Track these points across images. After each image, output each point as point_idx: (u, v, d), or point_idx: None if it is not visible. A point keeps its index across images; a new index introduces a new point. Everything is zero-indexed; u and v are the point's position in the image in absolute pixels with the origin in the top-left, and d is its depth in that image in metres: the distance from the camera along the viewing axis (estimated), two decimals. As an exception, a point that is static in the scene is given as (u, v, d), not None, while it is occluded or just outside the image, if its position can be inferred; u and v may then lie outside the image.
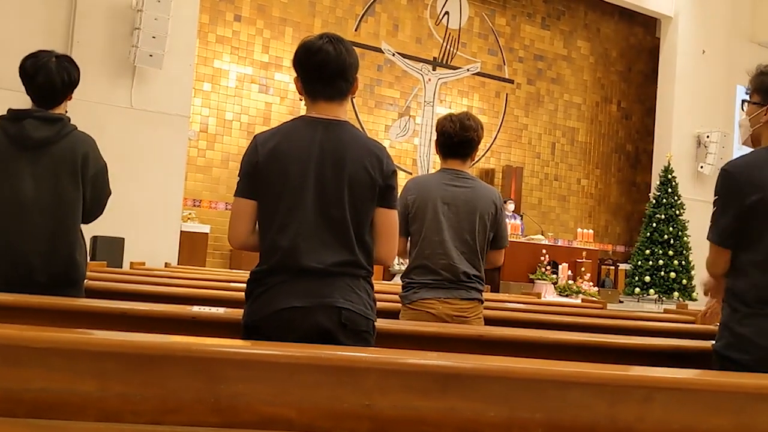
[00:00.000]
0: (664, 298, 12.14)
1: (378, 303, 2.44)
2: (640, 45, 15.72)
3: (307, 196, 2.24)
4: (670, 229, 12.36)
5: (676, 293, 12.11)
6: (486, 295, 3.47)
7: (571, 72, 14.97)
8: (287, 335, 2.12)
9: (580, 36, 15.06)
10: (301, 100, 2.40)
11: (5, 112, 2.84)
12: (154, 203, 9.13)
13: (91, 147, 2.89)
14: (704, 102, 13.87)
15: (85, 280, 3.07)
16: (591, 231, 13.21)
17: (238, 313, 2.46)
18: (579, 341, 2.95)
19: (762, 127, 2.51)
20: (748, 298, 2.37)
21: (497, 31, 14.09)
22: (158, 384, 1.50)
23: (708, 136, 13.66)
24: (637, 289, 12.31)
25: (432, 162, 13.11)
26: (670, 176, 12.68)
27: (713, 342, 2.53)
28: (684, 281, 12.13)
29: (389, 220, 2.36)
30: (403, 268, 3.41)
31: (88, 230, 3.01)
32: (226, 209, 11.04)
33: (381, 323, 2.46)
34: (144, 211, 8.91)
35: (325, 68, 2.29)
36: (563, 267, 11.46)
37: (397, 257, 2.76)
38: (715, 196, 2.47)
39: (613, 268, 13.45)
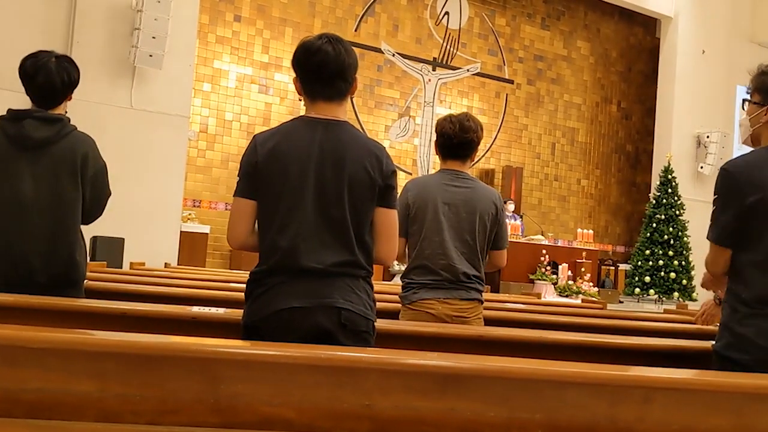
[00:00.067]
0: (664, 299, 12.14)
1: (378, 303, 2.44)
2: (640, 45, 15.72)
3: (307, 197, 2.24)
4: (670, 229, 12.37)
5: (676, 293, 12.12)
6: (486, 295, 3.47)
7: (571, 72, 14.97)
8: (287, 336, 2.12)
9: (580, 36, 15.06)
10: (300, 100, 2.40)
11: (5, 113, 2.84)
12: (154, 203, 9.13)
13: (90, 147, 2.88)
14: (704, 102, 13.87)
15: (85, 281, 3.07)
16: (591, 231, 13.21)
17: (237, 313, 2.46)
18: (579, 341, 2.95)
19: (762, 126, 2.51)
20: (748, 298, 2.37)
21: (497, 31, 14.09)
22: (158, 384, 1.50)
23: (708, 137, 13.67)
24: (637, 290, 12.31)
25: (432, 162, 13.11)
26: (670, 176, 12.69)
27: (713, 342, 2.53)
28: (684, 281, 12.13)
29: (389, 219, 2.36)
30: (403, 268, 3.41)
31: (88, 230, 3.01)
32: (226, 209, 11.04)
33: (381, 323, 2.46)
34: (144, 212, 8.91)
35: (324, 68, 2.29)
36: (563, 267, 11.46)
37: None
38: (714, 195, 2.47)
39: (613, 268, 13.45)
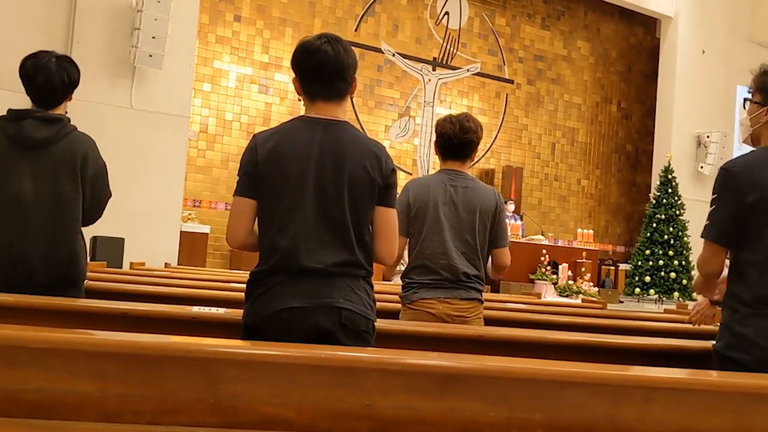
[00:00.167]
0: (664, 299, 12.14)
1: (378, 303, 2.44)
2: (640, 45, 15.72)
3: (307, 197, 2.24)
4: (670, 229, 12.37)
5: (676, 293, 12.12)
6: (486, 295, 3.47)
7: (571, 72, 14.97)
8: (287, 336, 2.12)
9: (580, 36, 15.06)
10: (299, 100, 2.40)
11: (5, 113, 2.84)
12: (154, 203, 9.13)
13: (90, 147, 2.88)
14: (704, 102, 13.87)
15: (85, 281, 3.07)
16: (591, 231, 13.21)
17: (237, 313, 2.46)
18: (579, 341, 2.95)
19: (762, 126, 2.51)
20: (748, 298, 2.37)
21: (497, 31, 14.09)
22: (158, 384, 1.50)
23: (708, 137, 13.67)
24: (637, 290, 12.32)
25: (432, 162, 13.11)
26: (670, 176, 12.69)
27: (713, 342, 2.53)
28: (684, 281, 12.13)
29: (388, 219, 2.36)
30: (403, 268, 3.41)
31: (88, 230, 3.01)
32: (226, 209, 11.04)
33: (381, 323, 2.46)
34: (144, 212, 8.90)
35: (323, 68, 2.29)
36: (563, 267, 11.46)
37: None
38: (713, 194, 2.46)
39: (613, 268, 13.45)
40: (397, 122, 13.12)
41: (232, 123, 11.58)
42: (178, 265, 9.01)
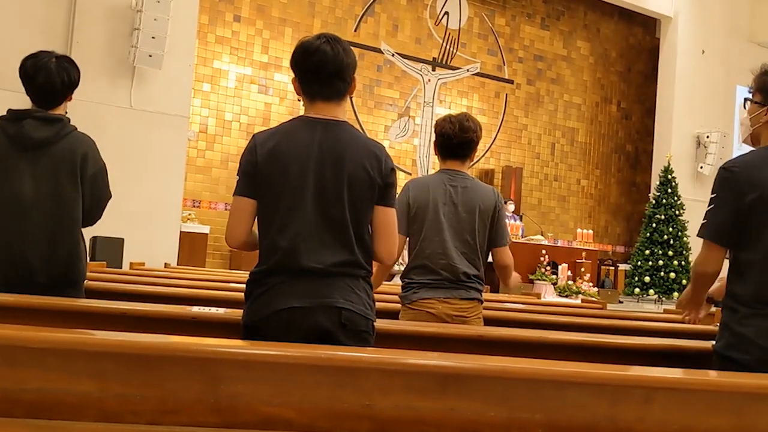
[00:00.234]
0: (663, 299, 12.15)
1: (377, 303, 2.44)
2: (640, 45, 15.72)
3: (307, 197, 2.24)
4: (670, 229, 12.38)
5: (675, 293, 12.11)
6: (486, 295, 3.47)
7: (571, 72, 14.97)
8: (287, 335, 2.12)
9: (579, 36, 15.06)
10: (299, 100, 2.40)
11: (5, 113, 2.84)
12: (153, 204, 9.12)
13: (90, 147, 2.88)
14: (704, 102, 13.87)
15: (85, 281, 3.07)
16: (591, 231, 13.21)
17: (237, 313, 2.46)
18: (579, 341, 2.95)
19: (762, 126, 2.51)
20: (747, 298, 2.36)
21: (497, 31, 14.09)
22: (158, 384, 1.50)
23: (708, 137, 13.67)
24: (637, 290, 12.32)
25: (432, 162, 13.11)
26: (669, 176, 12.70)
27: (713, 342, 2.53)
28: (684, 281, 12.12)
29: (388, 218, 2.36)
30: (402, 268, 3.41)
31: (88, 230, 3.01)
32: (226, 210, 11.04)
33: (381, 323, 2.46)
34: (143, 212, 8.90)
35: (322, 68, 2.29)
36: (563, 267, 11.46)
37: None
38: (712, 194, 2.44)
39: (613, 268, 13.46)
40: (397, 122, 13.12)
41: (232, 123, 11.58)
42: (177, 265, 9.01)
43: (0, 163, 2.78)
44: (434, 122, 3.44)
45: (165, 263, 8.28)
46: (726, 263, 2.51)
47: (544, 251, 11.46)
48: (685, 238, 12.39)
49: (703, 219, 2.46)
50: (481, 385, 1.58)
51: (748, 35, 14.63)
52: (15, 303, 2.59)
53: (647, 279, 12.27)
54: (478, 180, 3.43)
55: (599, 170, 15.35)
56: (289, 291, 2.21)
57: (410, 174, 12.83)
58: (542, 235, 12.77)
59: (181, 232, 9.85)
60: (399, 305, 3.36)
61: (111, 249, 8.22)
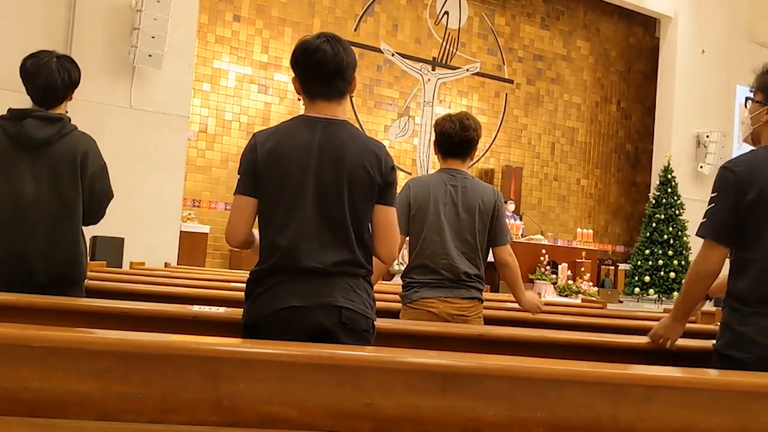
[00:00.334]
0: (663, 298, 12.15)
1: (378, 303, 2.43)
2: (640, 45, 15.72)
3: (307, 196, 2.24)
4: (670, 229, 12.38)
5: (675, 293, 12.11)
6: (486, 294, 3.47)
7: (571, 72, 14.97)
8: (287, 335, 2.11)
9: (579, 36, 15.06)
10: (299, 99, 2.40)
11: (5, 112, 2.84)
12: (153, 203, 9.13)
13: (90, 146, 2.88)
14: (704, 102, 13.88)
15: (86, 280, 3.07)
16: (590, 231, 13.21)
17: (238, 312, 2.46)
18: (579, 340, 2.94)
19: (762, 126, 2.51)
20: (748, 297, 2.36)
21: (497, 31, 14.09)
22: (159, 383, 1.50)
23: (707, 136, 13.67)
24: (637, 289, 12.33)
25: (432, 162, 13.11)
26: (669, 176, 12.71)
27: (713, 341, 2.52)
28: (683, 281, 12.11)
29: (388, 217, 2.36)
30: (403, 268, 3.41)
31: (88, 230, 3.00)
32: (226, 209, 11.04)
33: (381, 323, 2.46)
34: (143, 212, 8.91)
35: (322, 68, 2.29)
36: (563, 267, 11.46)
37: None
38: (713, 193, 2.43)
39: (613, 268, 13.46)
40: (397, 122, 13.12)
41: (232, 123, 11.58)
42: (177, 265, 9.01)
43: (0, 163, 2.78)
44: (434, 122, 3.43)
45: (165, 263, 8.29)
46: (726, 263, 2.50)
47: (544, 251, 11.46)
48: (685, 238, 12.39)
49: (703, 218, 2.44)
50: (482, 384, 1.58)
51: (748, 35, 14.63)
52: (16, 302, 2.59)
53: (647, 279, 12.28)
54: (478, 179, 3.44)
55: (599, 170, 15.36)
56: (289, 290, 2.21)
57: (410, 174, 12.83)
58: (542, 234, 12.77)
59: (181, 231, 9.86)
60: (399, 305, 3.36)
61: (111, 249, 8.22)
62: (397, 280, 9.20)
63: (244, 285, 2.34)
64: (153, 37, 8.81)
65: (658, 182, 12.86)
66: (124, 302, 2.89)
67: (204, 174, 11.30)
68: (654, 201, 12.70)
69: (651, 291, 12.24)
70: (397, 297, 3.44)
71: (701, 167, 13.68)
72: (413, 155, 13.28)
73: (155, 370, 1.51)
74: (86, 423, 1.47)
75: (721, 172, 2.43)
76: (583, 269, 11.69)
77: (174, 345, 1.58)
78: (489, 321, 3.45)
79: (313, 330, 2.18)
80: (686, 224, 12.43)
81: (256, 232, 2.43)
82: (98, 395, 1.48)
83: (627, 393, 1.60)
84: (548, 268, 11.25)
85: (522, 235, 12.18)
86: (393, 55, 12.98)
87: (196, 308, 2.77)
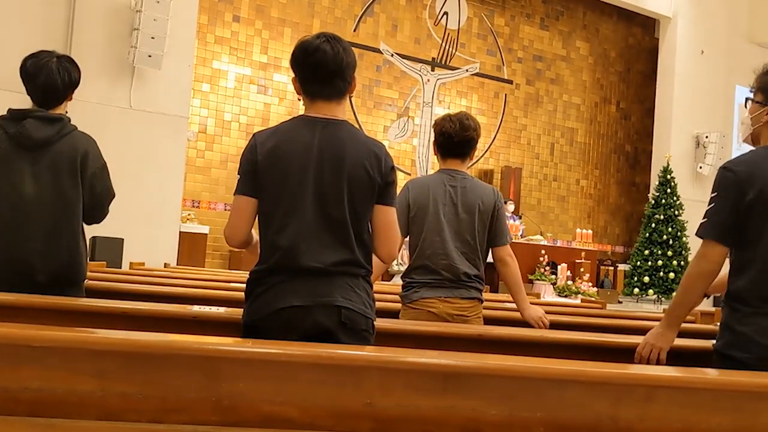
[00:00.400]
0: (663, 299, 12.15)
1: (378, 303, 2.44)
2: (639, 45, 15.73)
3: (307, 196, 2.25)
4: (669, 229, 12.39)
5: (675, 294, 12.11)
6: (485, 295, 3.47)
7: (570, 72, 14.98)
8: (287, 334, 2.12)
9: (579, 36, 15.07)
10: (299, 100, 2.40)
11: (5, 112, 2.84)
12: (153, 204, 9.12)
13: (90, 146, 2.88)
14: (703, 102, 13.88)
15: (85, 280, 3.07)
16: (590, 231, 13.21)
17: (238, 312, 2.46)
18: (579, 340, 2.94)
19: (762, 126, 2.51)
20: (747, 297, 2.36)
21: (496, 31, 14.09)
22: (159, 383, 1.50)
23: (707, 137, 13.67)
24: (636, 290, 12.33)
25: (431, 162, 13.11)
26: (669, 177, 12.71)
27: (714, 342, 2.52)
28: (680, 284, 12.10)
29: (388, 217, 2.36)
30: (403, 268, 3.41)
31: (87, 231, 3.00)
32: (225, 210, 11.04)
33: (381, 323, 2.46)
34: (143, 212, 8.90)
35: (322, 68, 2.29)
36: (562, 267, 11.46)
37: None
38: (712, 193, 2.42)
39: (612, 268, 13.46)
40: (396, 122, 13.12)
41: (231, 123, 11.58)
42: (177, 265, 9.01)
43: (1, 163, 2.78)
44: (433, 122, 3.43)
45: (165, 263, 8.28)
46: (726, 263, 2.49)
47: (543, 251, 11.46)
48: (684, 239, 12.40)
49: (703, 218, 2.42)
50: (482, 384, 1.58)
51: (748, 35, 14.64)
52: (16, 302, 2.59)
53: (646, 279, 12.28)
54: (477, 179, 3.44)
55: (598, 170, 15.36)
56: (289, 290, 2.22)
57: (409, 174, 12.83)
58: (541, 235, 12.77)
59: (180, 232, 9.85)
60: (399, 305, 3.36)
61: (111, 249, 8.22)
62: (397, 280, 9.20)
63: (244, 285, 2.34)
64: (153, 38, 8.80)
65: (657, 183, 12.87)
66: (125, 302, 2.89)
67: (203, 174, 11.29)
68: (653, 201, 12.70)
69: (650, 291, 12.24)
70: (397, 297, 3.45)
71: (700, 168, 13.68)
72: (412, 156, 13.28)
73: (156, 370, 1.51)
74: (87, 423, 1.47)
75: (721, 172, 2.43)
76: (582, 270, 11.69)
77: (175, 345, 1.58)
78: (489, 321, 3.45)
79: (312, 330, 2.19)
80: (686, 225, 12.44)
81: (254, 232, 2.44)
82: (99, 395, 1.48)
83: (628, 393, 1.61)
84: (547, 268, 11.25)
85: (521, 235, 12.19)
86: (392, 55, 12.98)
87: (196, 308, 2.77)
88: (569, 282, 11.30)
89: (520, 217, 13.05)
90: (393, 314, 3.37)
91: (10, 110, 2.83)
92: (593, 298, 8.36)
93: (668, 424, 1.60)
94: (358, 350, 1.71)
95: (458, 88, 13.78)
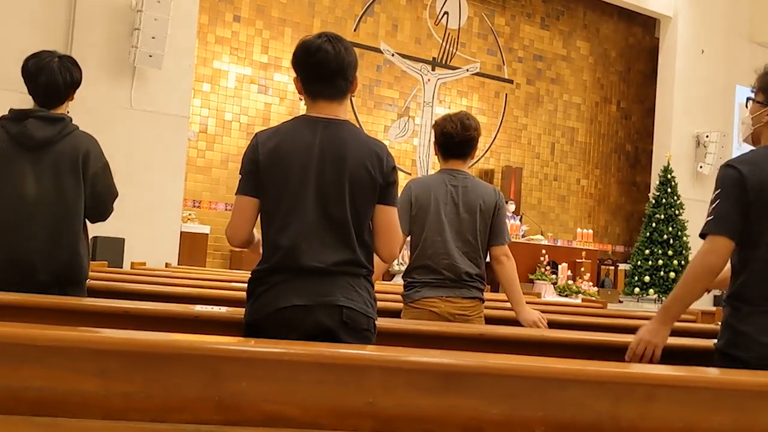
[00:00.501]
0: (663, 298, 12.15)
1: (379, 302, 2.44)
2: (640, 45, 15.73)
3: (308, 196, 2.25)
4: (670, 229, 12.39)
5: (673, 289, 12.11)
6: (487, 294, 3.47)
7: (571, 72, 14.98)
8: (289, 334, 2.12)
9: (579, 36, 15.07)
10: (301, 99, 2.41)
11: (7, 112, 2.84)
12: (154, 204, 9.13)
13: (92, 146, 2.89)
14: (703, 102, 13.88)
15: (87, 280, 3.07)
16: (590, 231, 13.22)
17: (239, 312, 2.47)
18: (580, 340, 2.95)
19: (763, 126, 2.51)
20: (749, 296, 2.36)
21: (496, 31, 14.09)
22: (162, 382, 1.50)
23: (707, 136, 13.68)
24: (637, 289, 12.33)
25: (432, 162, 13.11)
26: (669, 176, 12.71)
27: (715, 341, 2.52)
28: (681, 279, 12.10)
29: (389, 217, 2.37)
30: (403, 268, 3.41)
31: (88, 231, 3.01)
32: (226, 210, 11.05)
33: (383, 322, 2.47)
34: (144, 212, 8.90)
35: (324, 67, 2.29)
36: (563, 267, 11.46)
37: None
38: (716, 190, 2.40)
39: (613, 268, 13.46)
40: (397, 122, 13.12)
41: (232, 123, 11.59)
42: (178, 265, 9.02)
43: (2, 163, 2.79)
44: (433, 122, 3.43)
45: (166, 263, 8.29)
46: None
47: (543, 251, 11.47)
48: (684, 238, 12.40)
49: (708, 216, 2.39)
50: (483, 383, 1.58)
51: (748, 35, 14.64)
52: (18, 302, 2.59)
53: (647, 279, 12.28)
54: (478, 179, 3.44)
55: (599, 170, 15.36)
56: (290, 289, 2.22)
57: (410, 174, 12.83)
58: (542, 234, 12.78)
59: (181, 232, 9.86)
60: (401, 304, 3.36)
61: (112, 249, 8.23)
62: (398, 280, 9.20)
63: (245, 285, 2.35)
64: (153, 38, 8.81)
65: (657, 182, 12.87)
66: (127, 302, 2.89)
67: (204, 174, 11.30)
68: (654, 201, 12.71)
69: (651, 291, 12.24)
70: (399, 297, 3.45)
71: (701, 167, 13.68)
72: (413, 156, 13.29)
73: (158, 370, 1.51)
74: (89, 422, 1.47)
75: (724, 169, 2.42)
76: (583, 269, 11.69)
77: (177, 344, 1.58)
78: (490, 320, 3.45)
79: (314, 329, 2.19)
80: (686, 224, 12.44)
81: (256, 232, 2.44)
82: (101, 394, 1.48)
83: (629, 392, 1.61)
84: (548, 268, 11.25)
85: (522, 235, 12.19)
86: (393, 55, 12.98)
87: (198, 308, 2.78)
88: (570, 282, 11.30)
89: (521, 217, 13.05)
90: (394, 314, 3.38)
91: (11, 110, 2.84)
92: (594, 298, 8.37)
93: (669, 423, 1.60)
94: (359, 350, 1.72)
95: (459, 87, 13.78)
